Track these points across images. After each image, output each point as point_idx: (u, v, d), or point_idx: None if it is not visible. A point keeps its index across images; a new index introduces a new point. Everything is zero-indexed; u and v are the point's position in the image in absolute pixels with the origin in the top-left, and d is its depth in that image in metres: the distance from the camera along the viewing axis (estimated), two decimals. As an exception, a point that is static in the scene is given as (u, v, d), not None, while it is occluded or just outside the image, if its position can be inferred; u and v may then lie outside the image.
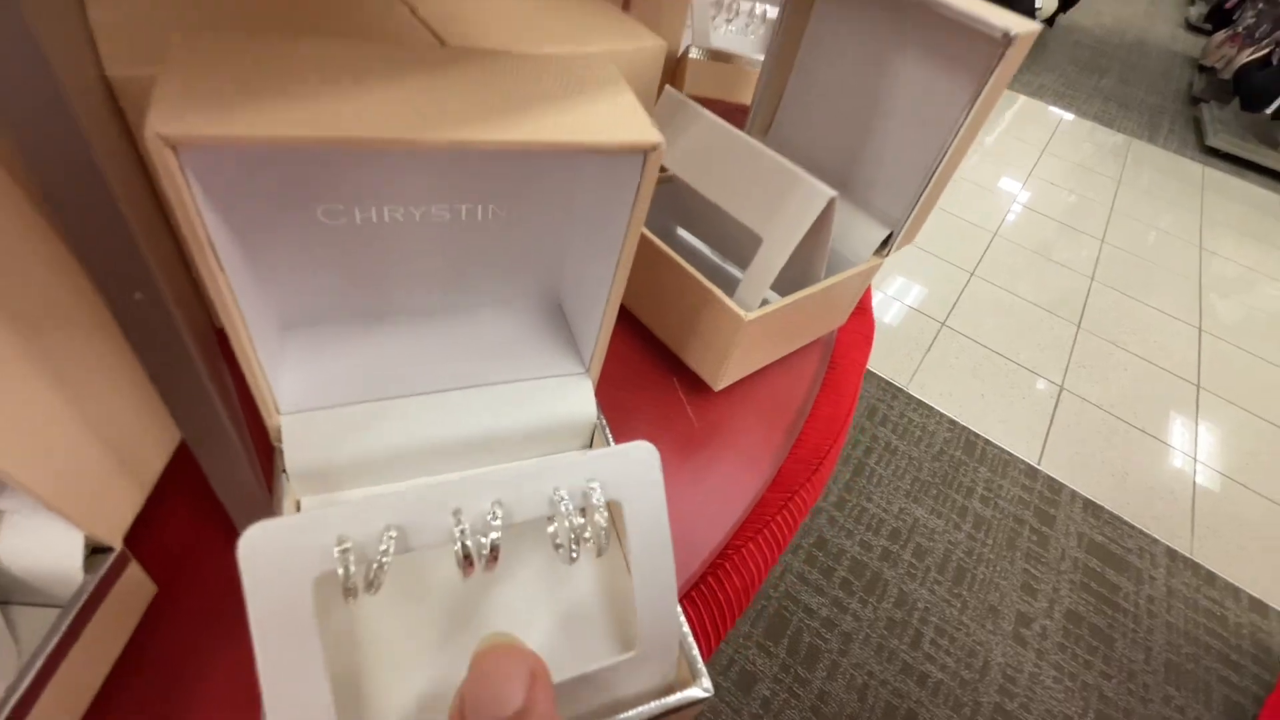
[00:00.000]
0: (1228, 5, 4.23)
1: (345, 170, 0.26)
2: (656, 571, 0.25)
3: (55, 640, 0.21)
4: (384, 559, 0.21)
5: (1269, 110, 2.94)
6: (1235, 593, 1.37)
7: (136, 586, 0.26)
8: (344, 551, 0.20)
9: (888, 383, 1.65)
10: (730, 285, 0.43)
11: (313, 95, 0.20)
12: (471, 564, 0.22)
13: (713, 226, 0.52)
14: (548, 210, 0.31)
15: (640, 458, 0.25)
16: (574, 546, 0.23)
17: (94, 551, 0.24)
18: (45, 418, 0.22)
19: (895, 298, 1.94)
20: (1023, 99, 3.39)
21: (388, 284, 0.32)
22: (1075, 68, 3.92)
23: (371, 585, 0.21)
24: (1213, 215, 2.76)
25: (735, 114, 0.48)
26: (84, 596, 0.22)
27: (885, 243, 0.46)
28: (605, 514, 0.24)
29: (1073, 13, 4.41)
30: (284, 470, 0.28)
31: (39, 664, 0.20)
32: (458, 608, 0.27)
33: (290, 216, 0.26)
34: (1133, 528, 1.45)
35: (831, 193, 0.38)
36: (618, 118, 0.24)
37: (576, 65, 0.27)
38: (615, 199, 0.28)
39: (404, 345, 0.33)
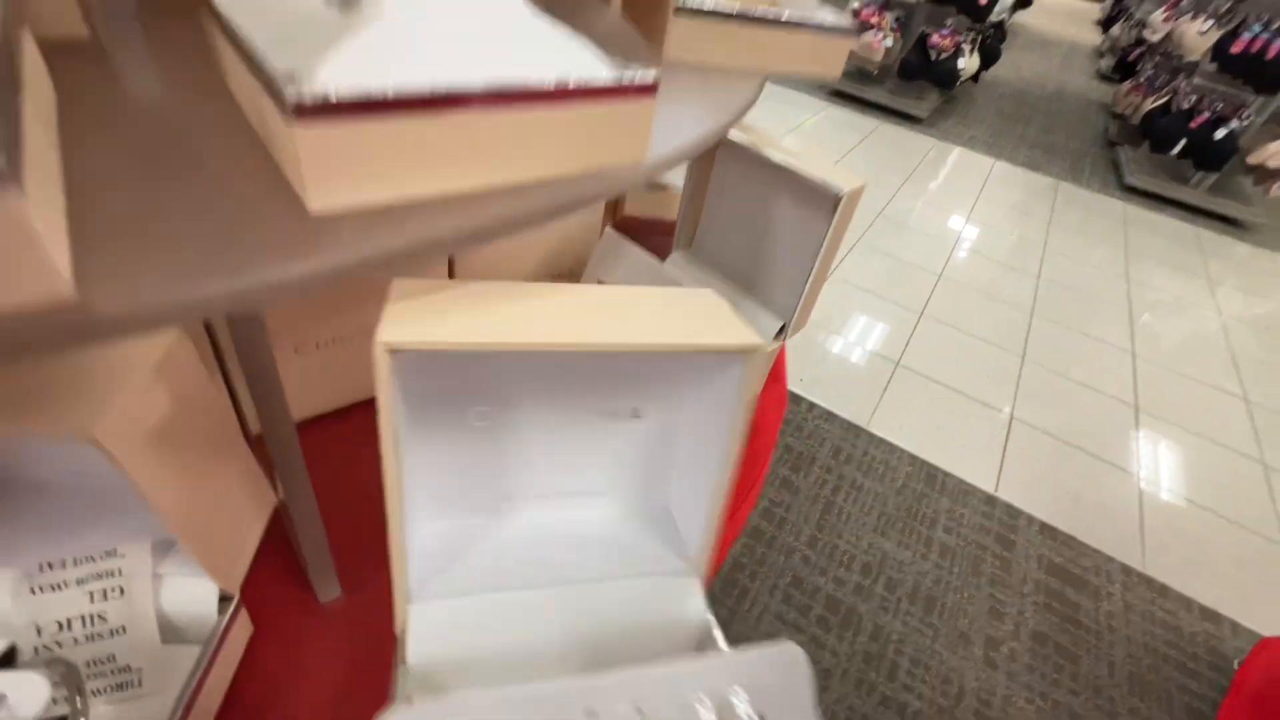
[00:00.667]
0: (1130, 58, 4.66)
1: (506, 374, 0.31)
2: None
3: (199, 672, 0.27)
4: None
5: (1174, 151, 3.22)
6: (1187, 603, 1.45)
7: (244, 628, 0.33)
8: None
9: (849, 423, 1.74)
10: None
11: (492, 316, 0.27)
12: None
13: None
14: (665, 410, 0.35)
15: (787, 662, 0.23)
16: None
17: (220, 600, 0.31)
18: (206, 510, 0.29)
19: (854, 342, 2.05)
20: (958, 150, 3.65)
21: (509, 482, 0.35)
22: (1001, 119, 4.25)
23: None
24: (1136, 248, 2.99)
25: (667, 228, 0.59)
26: (216, 635, 0.29)
27: (782, 329, 0.56)
28: None
29: (995, 69, 4.80)
30: (404, 661, 0.29)
31: (187, 694, 0.27)
32: None
33: (450, 416, 0.31)
34: (1087, 547, 1.53)
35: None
36: (723, 328, 0.29)
37: (687, 294, 0.33)
38: (721, 399, 0.31)
39: (520, 538, 0.35)
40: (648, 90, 0.29)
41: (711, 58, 0.48)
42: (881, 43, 3.64)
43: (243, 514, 0.34)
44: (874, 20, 3.65)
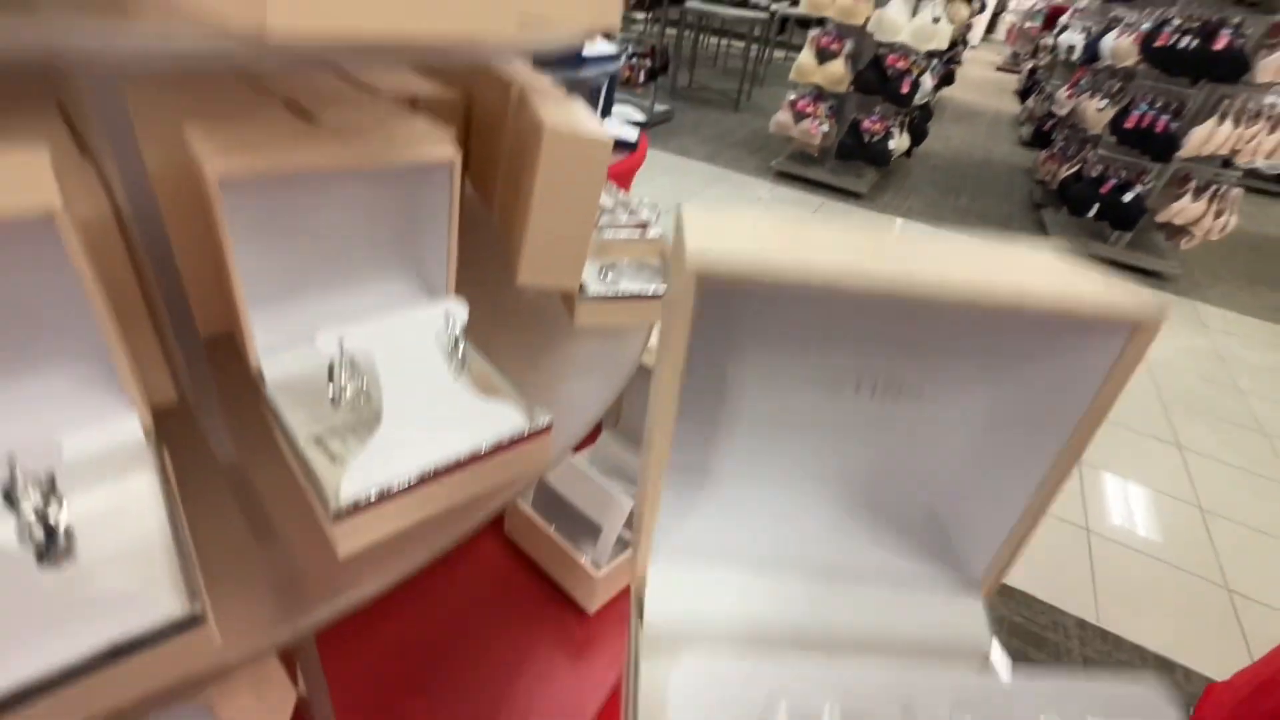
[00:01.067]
0: (1045, 128, 5.10)
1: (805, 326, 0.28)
2: None
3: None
4: None
5: (1090, 214, 3.52)
6: (1141, 653, 1.52)
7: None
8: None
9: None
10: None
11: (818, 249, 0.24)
12: None
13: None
14: (977, 388, 0.30)
15: (1148, 699, 0.20)
16: None
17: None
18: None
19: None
20: (899, 221, 3.92)
21: (768, 453, 0.31)
22: (936, 189, 4.59)
23: None
24: (1068, 304, 3.21)
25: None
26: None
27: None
28: None
29: (926, 142, 5.21)
30: (640, 618, 0.27)
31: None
32: None
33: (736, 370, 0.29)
34: (1043, 604, 1.61)
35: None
36: (1098, 289, 0.23)
37: (1021, 250, 0.28)
38: (1078, 380, 0.25)
39: (791, 513, 0.31)
40: (546, 430, 0.42)
41: (610, 321, 0.65)
42: (818, 129, 3.96)
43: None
44: (809, 109, 3.98)
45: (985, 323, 0.28)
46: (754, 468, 0.32)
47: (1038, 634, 1.53)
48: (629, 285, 0.67)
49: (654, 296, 0.67)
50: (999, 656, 0.30)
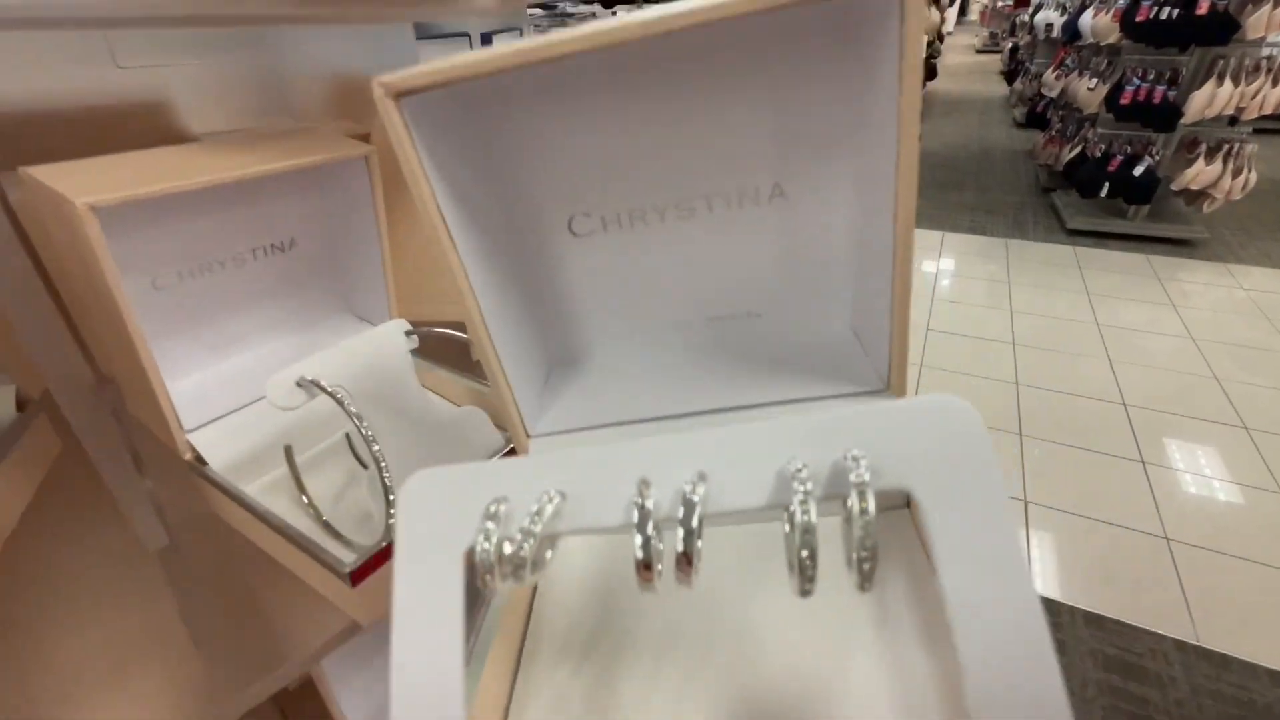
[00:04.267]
0: (1038, 109, 5.07)
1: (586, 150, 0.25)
2: (1002, 617, 0.14)
3: None
4: (533, 527, 0.15)
5: (1101, 194, 3.46)
6: (1253, 671, 1.44)
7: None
8: (494, 513, 0.16)
9: (873, 545, 1.78)
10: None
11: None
12: (649, 570, 0.14)
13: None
14: (814, 182, 0.27)
15: (942, 417, 0.15)
16: (808, 564, 0.14)
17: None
18: None
19: (854, 455, 2.13)
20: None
21: (650, 298, 0.30)
22: (938, 189, 4.56)
23: (523, 567, 0.15)
24: (1097, 290, 3.14)
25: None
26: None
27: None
28: (872, 510, 0.14)
29: (921, 144, 5.20)
30: None
31: None
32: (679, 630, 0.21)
33: (547, 231, 0.27)
34: (1136, 629, 1.53)
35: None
36: None
37: None
38: (861, 102, 0.22)
39: (665, 367, 0.30)
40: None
41: None
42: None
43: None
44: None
45: (740, 45, 0.24)
46: (623, 328, 0.30)
47: (1135, 664, 1.46)
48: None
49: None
50: None
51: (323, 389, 0.32)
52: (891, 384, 0.28)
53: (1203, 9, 2.93)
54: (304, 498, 0.31)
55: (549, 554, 0.16)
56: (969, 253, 3.58)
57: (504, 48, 0.20)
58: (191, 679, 0.27)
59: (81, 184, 0.29)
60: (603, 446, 0.17)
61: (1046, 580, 1.66)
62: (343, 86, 0.52)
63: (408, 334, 0.38)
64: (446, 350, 0.39)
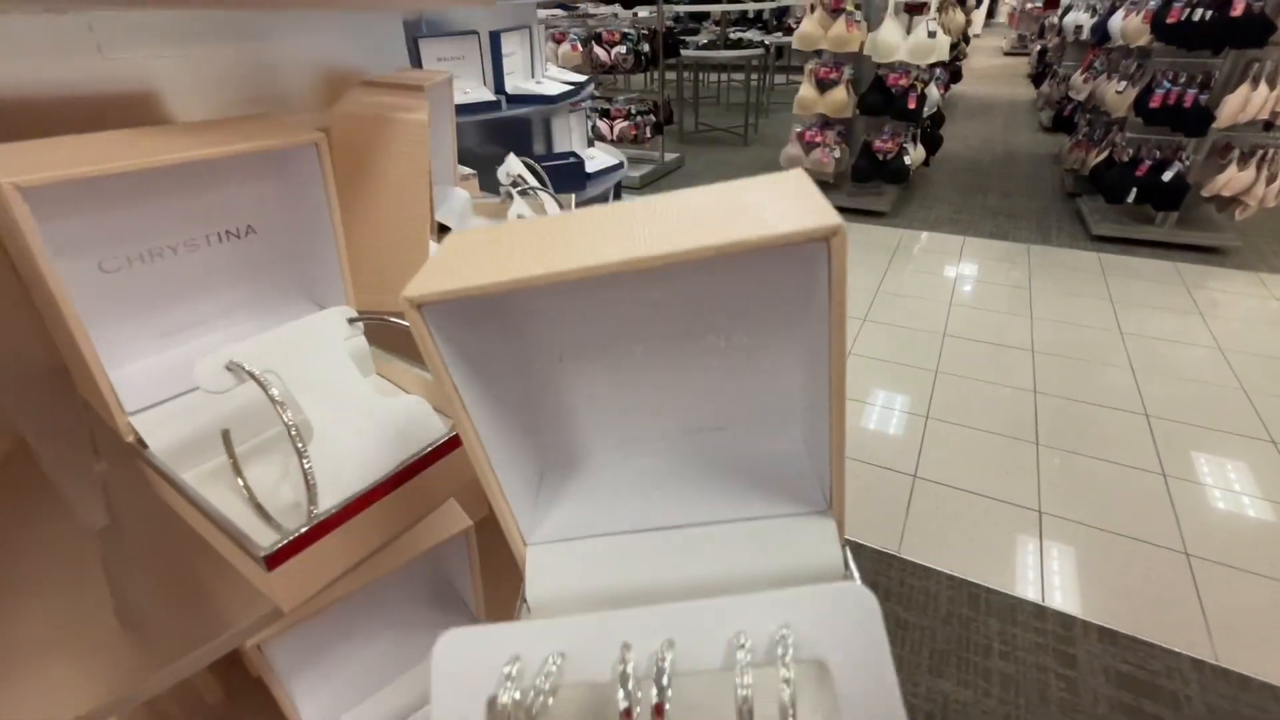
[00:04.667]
0: (1065, 112, 4.97)
1: (573, 315, 0.30)
2: None
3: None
4: (545, 684, 0.20)
5: (1129, 200, 3.38)
6: (1273, 692, 1.39)
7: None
8: (510, 674, 0.20)
9: (879, 552, 1.76)
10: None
11: (532, 254, 0.25)
12: (630, 717, 0.19)
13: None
14: (752, 329, 0.32)
15: (851, 604, 0.22)
16: (748, 710, 0.20)
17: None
18: None
19: (865, 460, 2.10)
20: (925, 235, 3.85)
21: (631, 417, 0.34)
22: (961, 194, 4.50)
23: (532, 713, 0.19)
24: (1121, 297, 3.06)
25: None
26: None
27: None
28: (793, 676, 0.20)
29: (944, 145, 5.13)
30: (524, 600, 0.29)
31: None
32: None
33: (541, 365, 0.31)
34: (1152, 646, 1.49)
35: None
36: (794, 211, 0.25)
37: (734, 187, 0.30)
38: (808, 297, 0.27)
39: (645, 479, 0.34)
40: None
41: None
42: (830, 156, 3.96)
43: None
44: (818, 139, 3.99)
45: (717, 273, 0.31)
46: (609, 443, 0.35)
47: (1150, 682, 1.42)
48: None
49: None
50: (854, 574, 0.31)
51: (250, 374, 0.32)
52: (832, 505, 0.32)
53: (1238, 10, 2.84)
54: (240, 481, 0.31)
55: (551, 700, 0.21)
56: (990, 258, 3.52)
57: (519, 265, 0.25)
58: (115, 659, 0.27)
59: (14, 164, 0.29)
60: (594, 616, 0.22)
61: (1059, 593, 1.62)
62: (329, 79, 0.52)
63: (351, 321, 0.38)
64: (409, 340, 0.37)
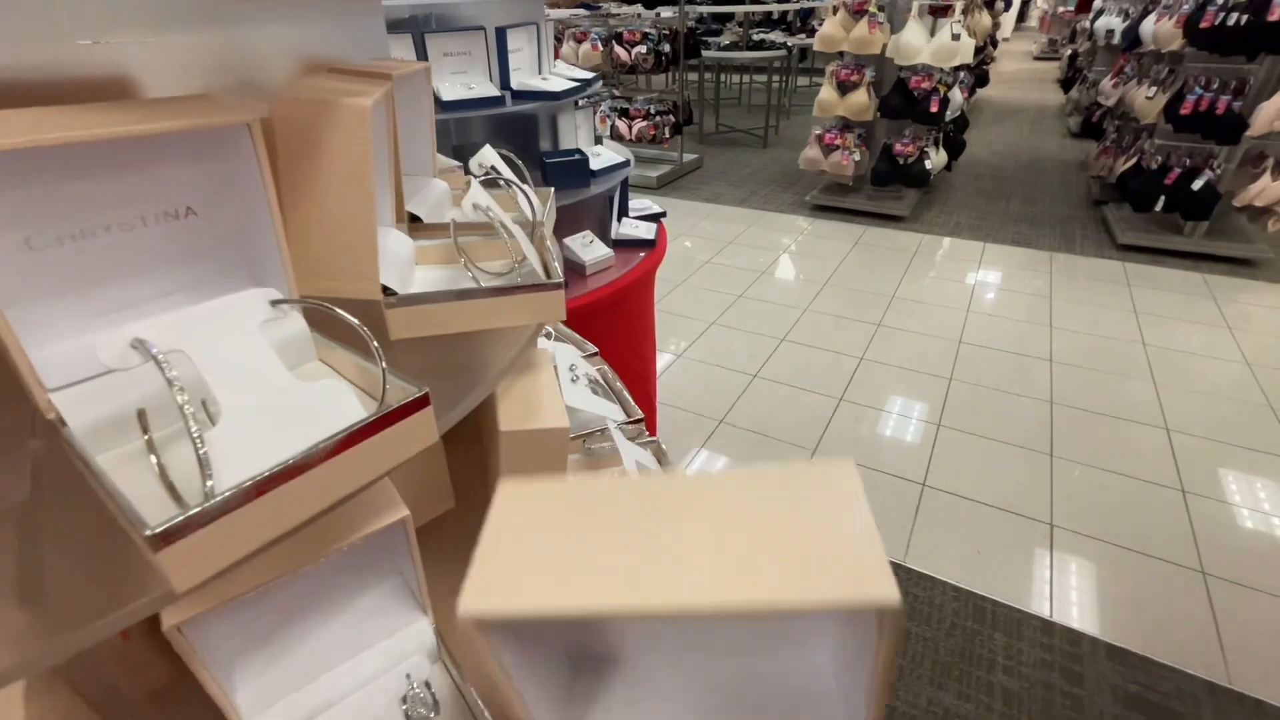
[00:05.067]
0: (1094, 119, 4.86)
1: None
2: None
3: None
4: None
5: (1156, 208, 3.29)
6: (1290, 720, 1.34)
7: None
8: None
9: (885, 561, 1.73)
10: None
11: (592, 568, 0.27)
12: None
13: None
14: (793, 674, 0.34)
15: None
16: None
17: None
18: None
19: (872, 467, 2.07)
20: (946, 240, 3.79)
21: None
22: (983, 199, 4.42)
23: None
24: (1146, 309, 2.99)
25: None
26: None
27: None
28: None
29: (968, 149, 5.05)
30: None
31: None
32: None
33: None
34: (1163, 666, 1.45)
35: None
36: (854, 566, 0.24)
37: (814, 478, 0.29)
38: (854, 661, 0.28)
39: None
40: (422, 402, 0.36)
41: (438, 329, 0.52)
42: (849, 159, 3.92)
43: None
44: (837, 141, 3.95)
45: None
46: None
47: (1160, 704, 1.38)
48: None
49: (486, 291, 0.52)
50: None
51: (149, 352, 0.32)
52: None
53: (1275, 15, 2.76)
54: (152, 458, 0.31)
55: None
56: (1011, 265, 3.45)
57: (584, 592, 0.26)
58: (12, 631, 0.27)
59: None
60: None
61: (1068, 608, 1.59)
62: (309, 69, 0.52)
63: (275, 304, 0.38)
64: (349, 330, 0.38)
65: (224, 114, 0.34)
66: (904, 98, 3.64)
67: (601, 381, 0.89)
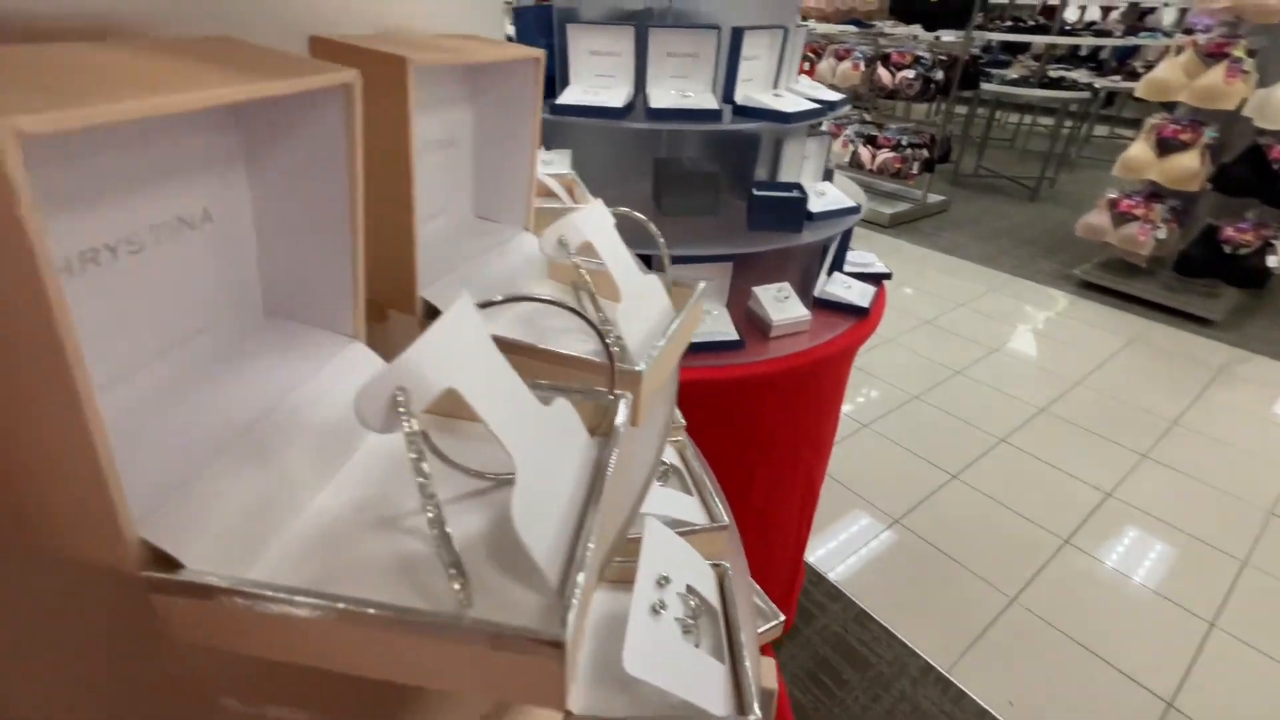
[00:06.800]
0: None
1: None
2: None
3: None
4: None
5: None
6: None
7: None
8: None
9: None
10: None
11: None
12: None
13: None
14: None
15: None
16: None
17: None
18: None
19: (1095, 653, 1.56)
20: (1268, 361, 2.85)
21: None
22: None
23: None
24: None
25: None
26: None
27: None
28: None
29: None
30: None
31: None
32: None
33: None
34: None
35: None
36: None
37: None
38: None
39: None
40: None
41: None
42: (1150, 234, 3.12)
43: None
44: (1138, 210, 3.17)
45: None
46: None
47: None
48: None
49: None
50: None
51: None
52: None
53: None
54: None
55: None
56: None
57: None
58: None
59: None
60: None
61: None
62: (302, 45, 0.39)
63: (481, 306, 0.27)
64: None
65: (321, 73, 0.25)
66: (1257, 171, 2.78)
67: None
